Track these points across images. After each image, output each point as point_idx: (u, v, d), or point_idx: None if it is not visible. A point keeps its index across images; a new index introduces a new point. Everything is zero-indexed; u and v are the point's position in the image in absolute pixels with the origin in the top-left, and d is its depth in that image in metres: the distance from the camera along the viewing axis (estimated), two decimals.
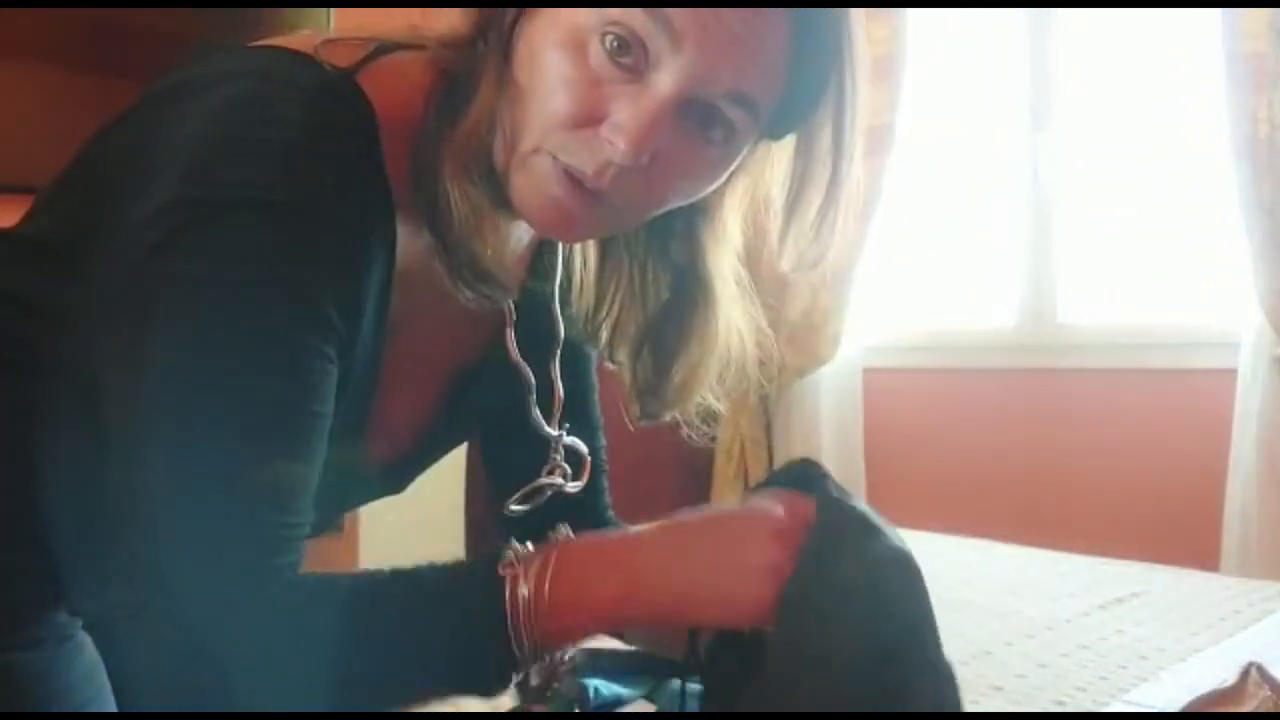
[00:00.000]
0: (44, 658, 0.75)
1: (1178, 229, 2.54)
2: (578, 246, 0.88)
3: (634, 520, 1.06)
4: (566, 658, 0.69)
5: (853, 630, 0.63)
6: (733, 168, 0.75)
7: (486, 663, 0.65)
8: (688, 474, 3.10)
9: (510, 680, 0.66)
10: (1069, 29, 2.68)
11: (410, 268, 0.74)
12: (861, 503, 0.70)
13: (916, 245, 2.96)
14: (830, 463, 2.92)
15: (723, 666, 0.73)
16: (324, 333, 0.66)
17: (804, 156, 0.77)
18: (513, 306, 0.82)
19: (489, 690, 0.66)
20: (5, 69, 2.47)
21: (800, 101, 0.73)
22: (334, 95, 0.67)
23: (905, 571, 0.67)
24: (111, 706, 0.80)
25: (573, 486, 0.86)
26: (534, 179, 0.70)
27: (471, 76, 0.71)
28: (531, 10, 0.71)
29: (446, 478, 2.36)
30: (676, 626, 0.68)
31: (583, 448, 0.87)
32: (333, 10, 2.23)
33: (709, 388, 0.84)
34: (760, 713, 0.72)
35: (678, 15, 0.65)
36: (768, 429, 3.08)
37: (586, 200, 0.69)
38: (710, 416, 0.86)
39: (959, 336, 2.88)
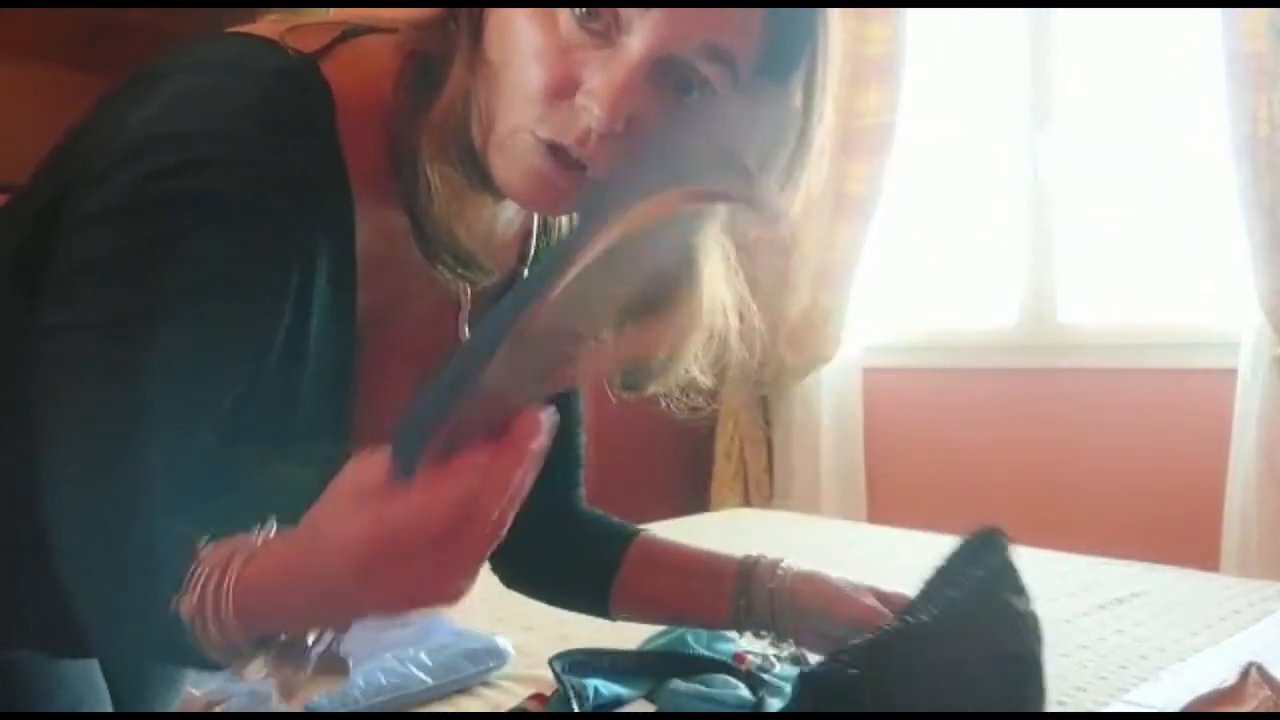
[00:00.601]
0: (36, 655, 0.75)
1: (1178, 229, 2.54)
2: (565, 224, 0.88)
3: (626, 516, 1.06)
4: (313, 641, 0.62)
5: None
6: None
7: (175, 648, 0.59)
8: (687, 474, 3.10)
9: (207, 666, 0.60)
10: (1069, 29, 2.68)
11: (389, 254, 0.74)
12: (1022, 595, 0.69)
13: (916, 245, 2.96)
14: (830, 463, 2.92)
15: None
16: (230, 338, 0.66)
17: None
18: (469, 292, 0.81)
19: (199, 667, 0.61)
20: (5, 69, 2.47)
21: (778, 61, 0.71)
22: (290, 83, 0.68)
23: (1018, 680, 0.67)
24: (105, 705, 0.80)
25: None
26: (514, 156, 0.69)
27: (443, 57, 0.71)
28: None
29: None
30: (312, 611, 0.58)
31: None
32: (331, 11, 2.23)
33: (693, 360, 0.83)
34: (766, 714, 0.73)
35: None
36: (767, 429, 3.08)
37: (570, 172, 0.68)
38: (693, 388, 0.84)
39: (959, 336, 2.88)
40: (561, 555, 1.03)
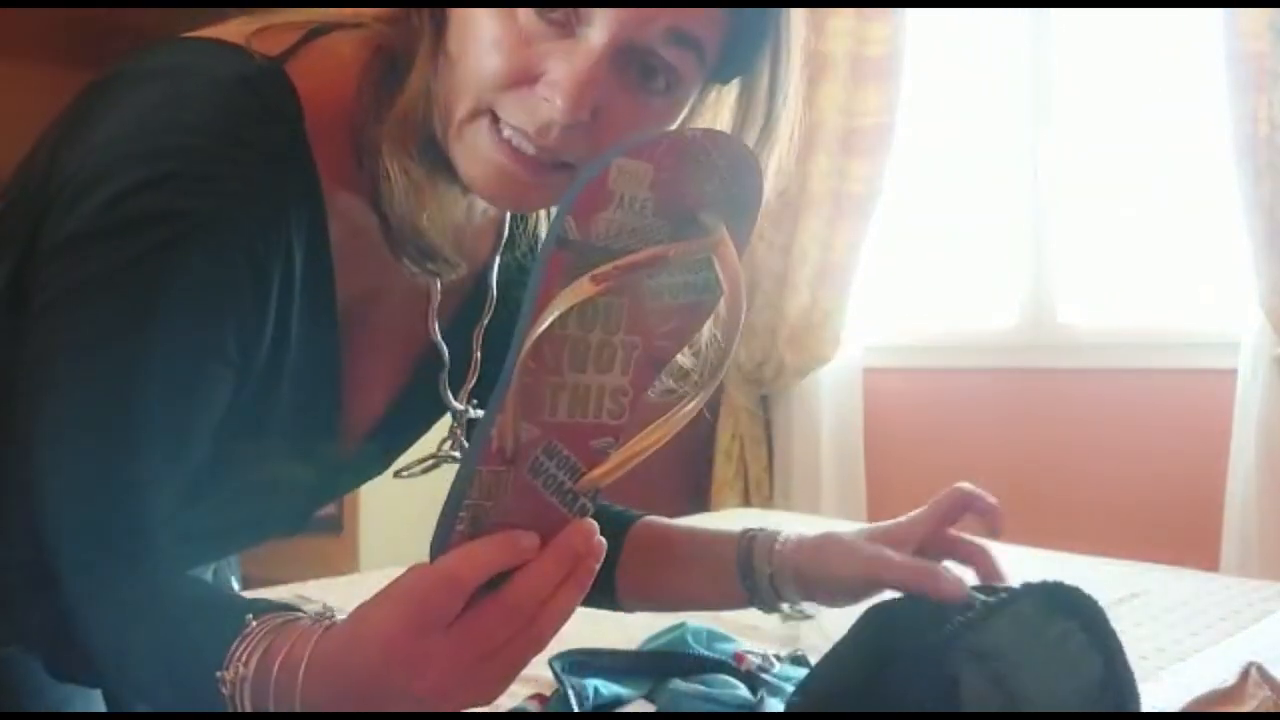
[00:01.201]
0: (24, 654, 0.75)
1: (1178, 229, 2.54)
2: (543, 213, 0.87)
3: None
4: None
5: None
6: (682, 116, 0.74)
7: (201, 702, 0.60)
8: (687, 474, 3.10)
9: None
10: (1069, 29, 2.68)
11: (363, 250, 0.74)
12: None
13: (917, 245, 2.96)
14: (830, 463, 2.92)
15: None
16: (214, 351, 0.66)
17: (745, 98, 0.76)
18: (438, 286, 0.81)
19: None
20: (5, 69, 2.47)
21: (745, 42, 0.71)
22: (253, 90, 0.67)
23: None
24: (98, 704, 0.80)
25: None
26: (474, 147, 0.69)
27: (407, 53, 0.71)
28: None
29: (446, 475, 2.35)
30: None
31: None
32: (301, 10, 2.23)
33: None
34: (767, 714, 0.73)
35: None
36: (768, 429, 3.08)
37: (532, 166, 0.68)
38: (676, 374, 0.85)
39: (959, 337, 2.88)
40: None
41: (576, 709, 1.00)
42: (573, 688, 1.01)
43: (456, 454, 0.85)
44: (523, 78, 0.66)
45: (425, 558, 0.59)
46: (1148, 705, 1.07)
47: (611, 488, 0.61)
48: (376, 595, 0.57)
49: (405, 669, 0.55)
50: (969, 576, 0.85)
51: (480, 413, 0.84)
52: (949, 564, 0.87)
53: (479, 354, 0.85)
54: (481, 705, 0.58)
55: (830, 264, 2.87)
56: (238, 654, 0.57)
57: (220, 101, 0.67)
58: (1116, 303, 2.65)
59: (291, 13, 0.75)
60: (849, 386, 2.96)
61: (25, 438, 0.64)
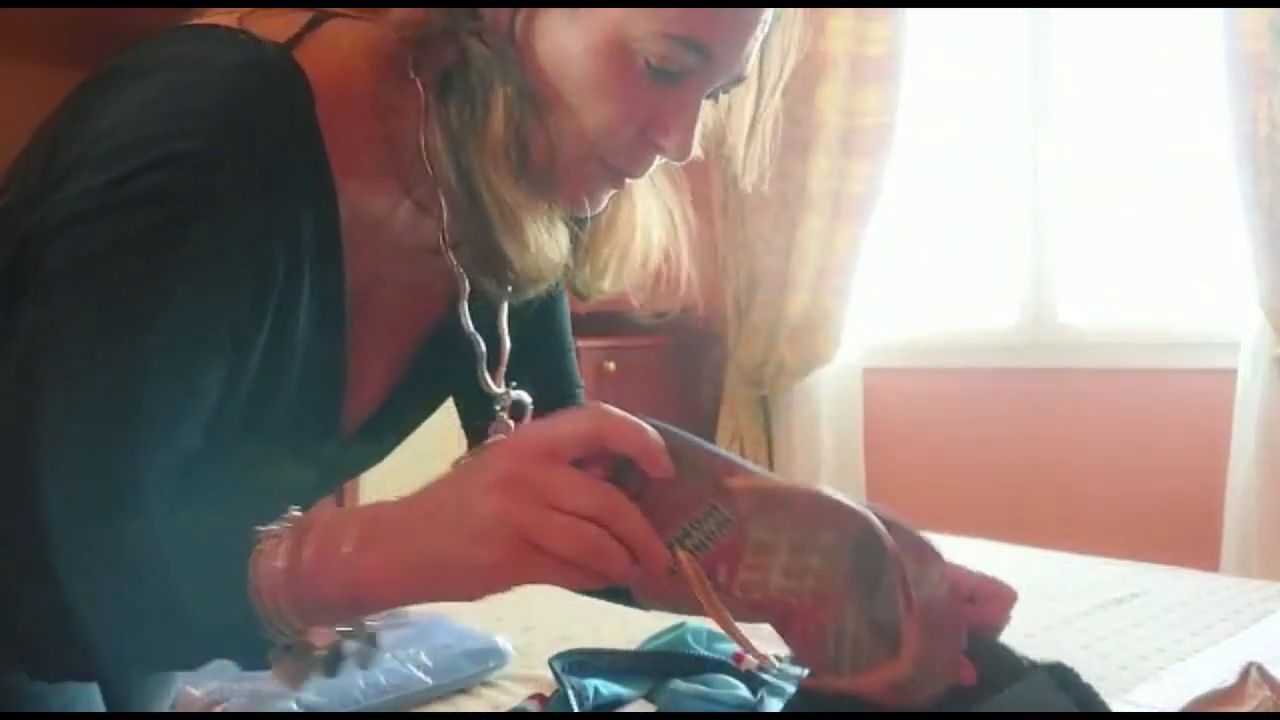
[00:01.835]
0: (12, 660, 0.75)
1: (1178, 229, 2.54)
2: None
3: None
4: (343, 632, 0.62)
5: None
6: None
7: (230, 632, 0.60)
8: None
9: (262, 655, 0.60)
10: (1069, 29, 2.68)
11: (368, 238, 0.74)
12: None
13: (917, 245, 2.96)
14: (830, 463, 2.92)
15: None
16: (216, 326, 0.66)
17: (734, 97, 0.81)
18: (467, 281, 0.80)
19: (246, 662, 0.61)
20: (5, 69, 2.47)
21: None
22: (262, 75, 0.67)
23: None
24: (98, 706, 0.80)
25: None
26: (580, 178, 0.74)
27: (465, 66, 0.71)
28: (533, 10, 0.71)
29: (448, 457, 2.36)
30: (434, 598, 0.61)
31: (527, 399, 0.86)
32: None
33: (640, 261, 0.86)
34: (766, 714, 0.73)
35: (706, 36, 0.69)
36: (768, 429, 3.08)
37: (622, 184, 0.76)
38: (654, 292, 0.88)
39: (959, 337, 2.88)
40: None
41: (576, 709, 1.00)
42: (573, 688, 1.01)
43: (504, 437, 0.85)
44: (637, 127, 0.72)
45: None
46: (1148, 705, 1.07)
47: None
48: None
49: (507, 480, 0.56)
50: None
51: (519, 394, 0.85)
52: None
53: (506, 337, 0.85)
54: (508, 572, 0.57)
55: (830, 264, 2.87)
56: (267, 546, 0.58)
57: (230, 87, 0.66)
58: (1117, 303, 2.65)
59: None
60: (849, 386, 2.96)
61: (22, 407, 0.62)
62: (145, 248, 0.63)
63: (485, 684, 1.15)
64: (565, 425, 0.59)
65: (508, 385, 0.85)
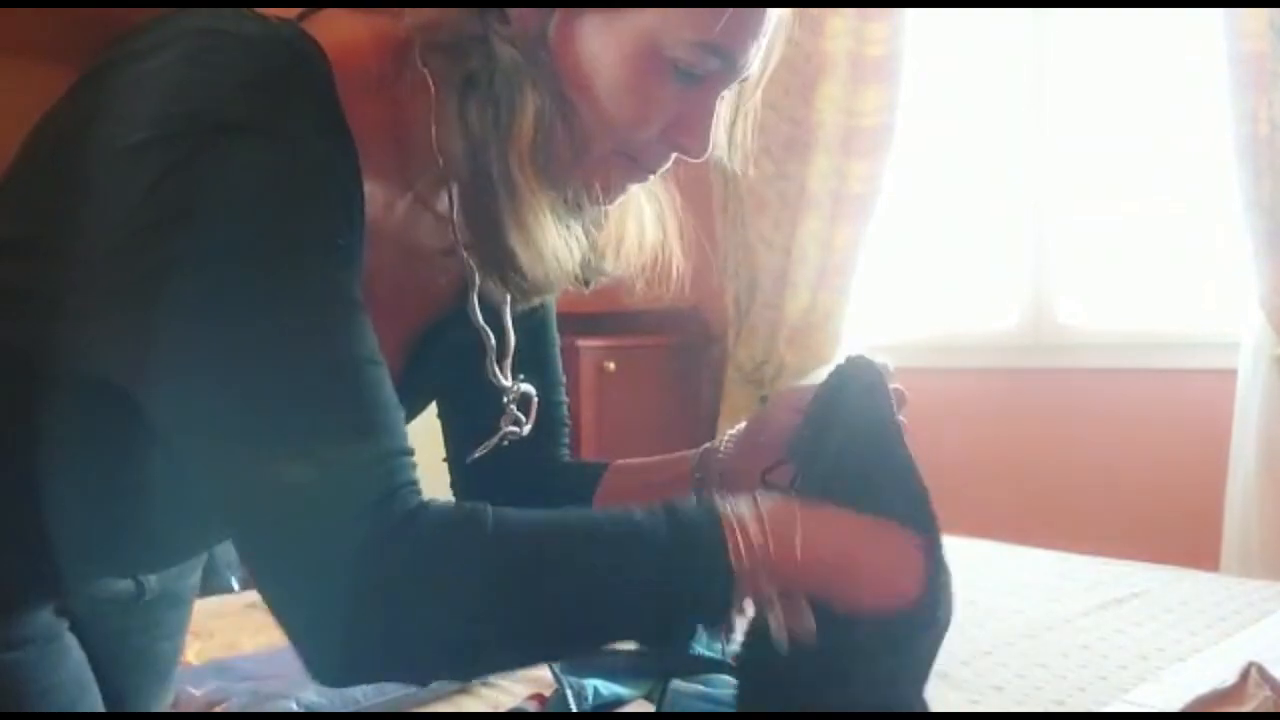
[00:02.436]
0: (30, 658, 0.75)
1: (1178, 229, 2.54)
2: None
3: None
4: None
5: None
6: None
7: (697, 609, 0.65)
8: None
9: (704, 630, 0.67)
10: (1069, 29, 2.68)
11: (378, 225, 0.73)
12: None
13: (917, 245, 2.96)
14: None
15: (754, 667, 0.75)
16: (347, 263, 0.65)
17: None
18: (478, 276, 0.80)
19: (684, 634, 0.67)
20: (5, 69, 2.47)
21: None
22: (287, 43, 0.66)
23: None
24: (98, 706, 0.80)
25: (527, 429, 0.88)
26: (603, 175, 0.75)
27: (491, 68, 0.70)
28: (568, 12, 0.70)
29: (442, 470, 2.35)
30: (841, 600, 0.68)
31: (533, 392, 0.87)
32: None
33: (635, 248, 0.87)
34: (766, 713, 0.73)
35: (733, 42, 0.71)
36: None
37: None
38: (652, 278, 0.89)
39: (960, 337, 2.88)
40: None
41: (576, 709, 1.00)
42: (572, 687, 1.02)
43: (517, 430, 0.87)
44: (660, 128, 0.74)
45: None
46: (1148, 705, 1.07)
47: None
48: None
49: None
50: None
51: (526, 387, 0.87)
52: None
53: (512, 332, 0.86)
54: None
55: (830, 264, 2.87)
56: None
57: (261, 51, 0.65)
58: (1117, 303, 2.65)
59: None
60: None
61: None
62: (262, 180, 0.62)
63: (485, 684, 1.15)
64: None
65: (514, 378, 0.86)
